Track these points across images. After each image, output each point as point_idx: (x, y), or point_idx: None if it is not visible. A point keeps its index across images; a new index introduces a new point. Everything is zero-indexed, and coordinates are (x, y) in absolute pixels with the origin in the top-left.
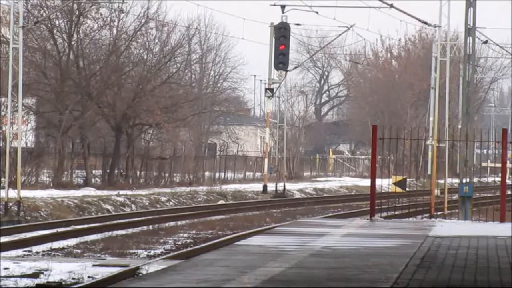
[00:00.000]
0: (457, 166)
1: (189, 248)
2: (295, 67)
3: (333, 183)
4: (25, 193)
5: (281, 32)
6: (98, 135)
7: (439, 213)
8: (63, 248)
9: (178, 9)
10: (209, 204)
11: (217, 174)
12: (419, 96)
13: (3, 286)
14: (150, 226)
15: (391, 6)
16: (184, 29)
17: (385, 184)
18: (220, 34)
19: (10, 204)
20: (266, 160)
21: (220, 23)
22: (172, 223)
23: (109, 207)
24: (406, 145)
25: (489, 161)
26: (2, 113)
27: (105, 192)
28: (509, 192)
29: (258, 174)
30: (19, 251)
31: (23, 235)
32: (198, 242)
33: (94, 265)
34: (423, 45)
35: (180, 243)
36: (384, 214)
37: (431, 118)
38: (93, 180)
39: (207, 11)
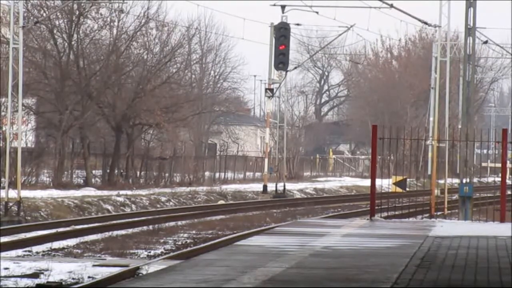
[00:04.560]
0: (457, 166)
1: (189, 248)
2: (295, 67)
3: (333, 183)
4: (25, 193)
5: (281, 32)
6: (98, 135)
7: (439, 213)
8: (63, 248)
9: (178, 9)
10: (209, 204)
11: (217, 174)
12: (419, 96)
13: (3, 286)
14: (150, 226)
15: (391, 6)
16: (184, 29)
17: (385, 184)
18: (220, 34)
19: (10, 204)
20: (266, 160)
21: (220, 23)
22: (172, 223)
23: (109, 207)
24: (406, 145)
25: (489, 161)
26: (2, 113)
27: (105, 192)
28: (509, 192)
29: (258, 174)
30: (19, 251)
31: (23, 235)
32: (198, 242)
33: (94, 265)
34: (423, 45)
35: (180, 243)
36: (384, 214)
37: (431, 118)
38: (93, 180)
39: (207, 11)
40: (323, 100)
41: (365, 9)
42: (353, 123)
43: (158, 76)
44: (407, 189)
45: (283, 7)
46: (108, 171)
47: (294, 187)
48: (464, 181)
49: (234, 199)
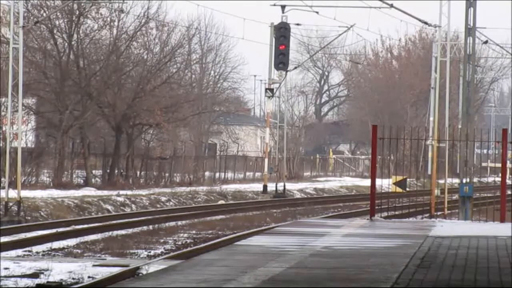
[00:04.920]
0: (457, 166)
1: (189, 248)
2: (295, 67)
3: (333, 183)
4: (25, 193)
5: (281, 32)
6: (98, 135)
7: (439, 213)
8: (63, 248)
9: (178, 9)
10: (209, 204)
11: (217, 174)
12: (419, 96)
13: (3, 286)
14: (150, 226)
15: (391, 6)
16: (184, 29)
17: (385, 184)
18: (220, 34)
19: (10, 204)
20: (266, 160)
21: (220, 23)
22: (172, 223)
23: (109, 207)
24: (406, 145)
25: (489, 161)
26: (2, 113)
27: (105, 192)
28: (509, 192)
29: (258, 174)
30: (19, 251)
31: (23, 235)
32: (198, 242)
33: (94, 265)
34: (423, 45)
35: (180, 243)
36: (384, 214)
37: (431, 118)
38: (93, 180)
39: (207, 11)
40: (323, 100)
41: (365, 9)
42: (353, 123)
43: (158, 76)
44: (407, 189)
45: (283, 7)
46: (108, 171)
47: (294, 187)
48: (464, 181)
49: (234, 199)
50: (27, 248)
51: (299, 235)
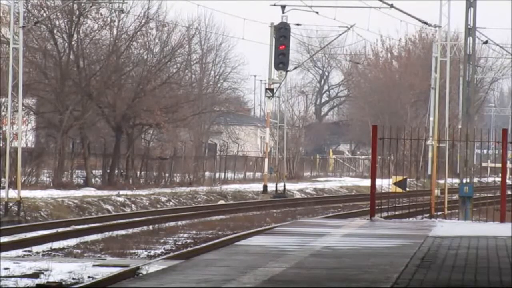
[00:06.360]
0: (457, 166)
1: (189, 248)
2: (295, 67)
3: (333, 183)
4: (25, 193)
5: (281, 32)
6: (99, 135)
7: (439, 213)
8: (63, 248)
9: (178, 9)
10: (209, 204)
11: (217, 174)
12: (419, 96)
13: (3, 286)
14: (150, 226)
15: (391, 6)
16: (184, 29)
17: (385, 184)
18: (220, 34)
19: (10, 204)
20: (266, 160)
21: (220, 23)
22: (172, 223)
23: (109, 207)
24: (406, 145)
25: (489, 161)
26: (2, 113)
27: (105, 192)
28: (509, 192)
29: (258, 174)
30: (19, 251)
31: (23, 235)
32: (198, 242)
33: (94, 265)
34: (423, 45)
35: (180, 243)
36: (384, 214)
37: (431, 118)
38: (93, 180)
39: (207, 11)
40: (323, 100)
41: (365, 9)
42: (353, 123)
43: (158, 76)
44: (407, 189)
45: (283, 7)
46: (108, 171)
47: (294, 187)
48: (464, 181)
49: (234, 199)
50: (27, 248)
51: (299, 235)
